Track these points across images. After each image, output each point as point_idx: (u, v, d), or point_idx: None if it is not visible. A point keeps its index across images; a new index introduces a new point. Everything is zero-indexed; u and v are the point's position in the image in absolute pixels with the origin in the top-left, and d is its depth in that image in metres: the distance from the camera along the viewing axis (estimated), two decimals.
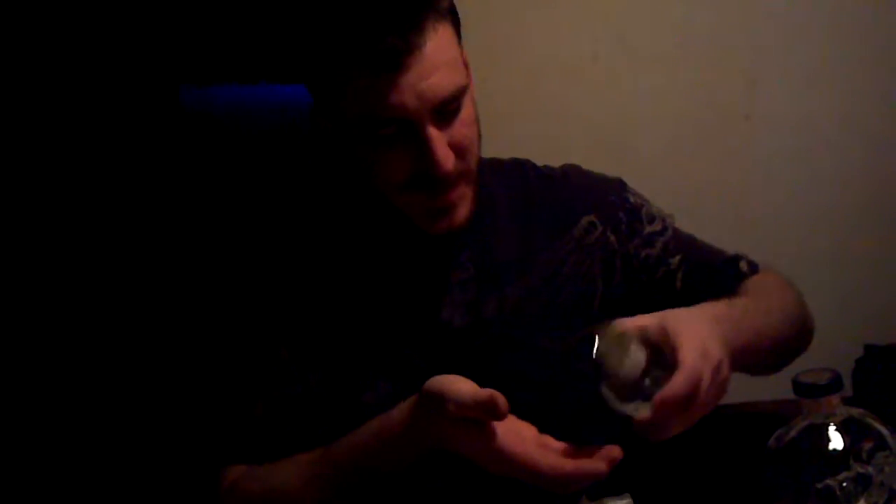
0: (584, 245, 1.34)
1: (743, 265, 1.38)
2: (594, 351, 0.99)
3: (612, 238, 1.35)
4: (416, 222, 1.21)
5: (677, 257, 1.35)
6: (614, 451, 0.99)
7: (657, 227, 1.37)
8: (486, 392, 0.98)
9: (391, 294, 1.27)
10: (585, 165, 1.44)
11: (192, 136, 2.44)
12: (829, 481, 0.98)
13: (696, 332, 1.01)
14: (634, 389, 0.99)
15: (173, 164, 2.40)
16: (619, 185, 1.40)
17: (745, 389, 1.64)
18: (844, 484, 0.98)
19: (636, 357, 0.98)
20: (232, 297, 1.31)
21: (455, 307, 1.27)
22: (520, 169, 1.40)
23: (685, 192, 2.08)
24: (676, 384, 0.96)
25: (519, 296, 1.29)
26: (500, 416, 0.97)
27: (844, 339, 2.16)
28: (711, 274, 1.35)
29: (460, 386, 1.00)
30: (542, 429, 1.04)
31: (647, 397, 0.98)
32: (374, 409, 1.17)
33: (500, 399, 0.97)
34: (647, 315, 1.03)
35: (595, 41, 2.16)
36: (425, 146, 1.13)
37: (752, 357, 1.18)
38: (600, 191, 1.39)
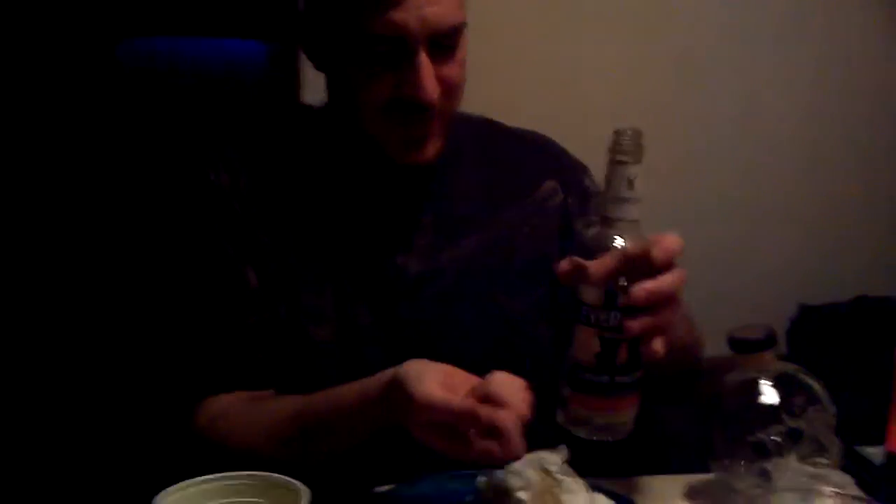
0: (546, 208, 1.34)
1: None
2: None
3: (571, 207, 1.35)
4: (387, 151, 1.20)
5: None
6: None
7: None
8: (466, 406, 0.98)
9: (351, 232, 1.26)
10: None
11: (132, 89, 2.40)
12: (761, 434, 1.01)
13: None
14: None
15: (119, 115, 2.35)
16: (583, 169, 1.40)
17: None
18: (776, 437, 1.00)
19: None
20: (196, 230, 1.29)
21: (410, 252, 1.27)
22: (488, 126, 1.40)
23: None
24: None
25: (476, 249, 1.29)
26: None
27: (780, 298, 2.21)
28: None
29: (432, 391, 0.99)
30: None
31: None
32: (321, 347, 1.20)
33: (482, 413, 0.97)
34: None
35: (593, 43, 2.18)
36: (415, 70, 1.13)
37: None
38: (566, 163, 1.39)
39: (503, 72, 2.07)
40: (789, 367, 1.06)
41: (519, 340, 1.29)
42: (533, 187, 1.34)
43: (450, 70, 1.18)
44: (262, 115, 1.36)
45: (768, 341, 1.05)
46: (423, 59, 1.13)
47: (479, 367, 1.04)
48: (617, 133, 0.97)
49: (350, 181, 1.28)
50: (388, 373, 1.06)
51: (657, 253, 0.95)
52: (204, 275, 1.25)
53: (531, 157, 1.37)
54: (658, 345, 0.96)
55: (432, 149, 1.22)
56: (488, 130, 1.39)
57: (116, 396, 2.09)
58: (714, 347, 1.24)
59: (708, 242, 1.99)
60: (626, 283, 0.95)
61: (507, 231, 1.31)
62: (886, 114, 2.33)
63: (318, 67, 1.26)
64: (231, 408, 1.21)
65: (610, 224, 0.98)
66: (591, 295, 0.96)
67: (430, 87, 1.14)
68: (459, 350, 1.13)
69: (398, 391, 1.02)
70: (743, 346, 1.06)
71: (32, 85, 2.53)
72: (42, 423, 2.23)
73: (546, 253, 1.30)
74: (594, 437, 1.00)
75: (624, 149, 0.97)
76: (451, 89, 1.19)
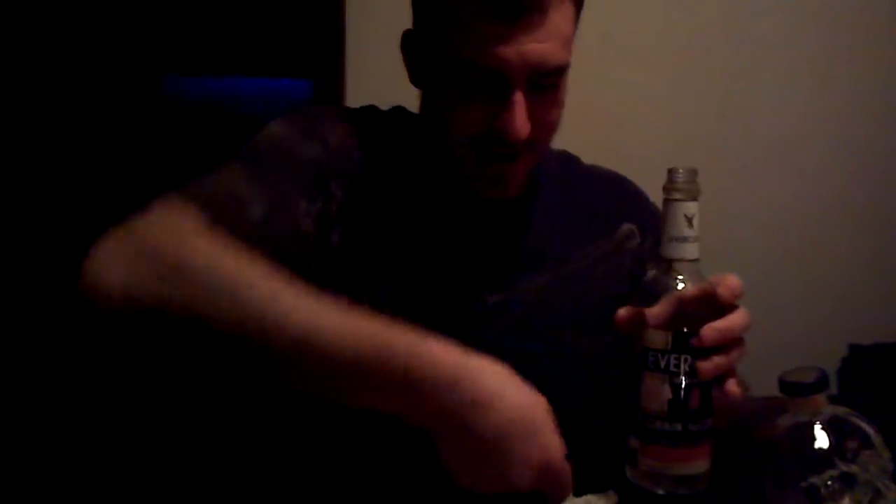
0: (623, 249, 1.33)
1: None
2: None
3: (647, 251, 1.34)
4: (470, 183, 1.20)
5: None
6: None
7: None
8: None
9: (430, 254, 1.24)
10: None
11: (176, 126, 2.42)
12: (813, 480, 0.98)
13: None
14: None
15: (162, 152, 2.38)
16: (661, 214, 1.39)
17: None
18: (829, 482, 0.98)
19: None
20: None
21: (486, 282, 1.24)
22: (568, 162, 1.39)
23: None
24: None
25: (549, 284, 1.27)
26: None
27: (830, 338, 2.18)
28: None
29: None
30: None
31: None
32: None
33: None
34: None
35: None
36: (509, 107, 1.11)
37: None
38: (644, 206, 1.38)
39: None
40: (842, 411, 1.03)
41: (586, 378, 1.27)
42: (612, 228, 1.33)
43: (546, 110, 1.16)
44: (379, 119, 1.32)
45: (820, 384, 1.03)
46: (519, 97, 1.12)
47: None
48: (671, 171, 0.96)
49: (436, 202, 1.26)
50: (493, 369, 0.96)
51: (723, 292, 0.94)
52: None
53: (611, 197, 1.36)
54: (733, 385, 0.94)
55: (515, 187, 1.21)
56: (569, 166, 1.39)
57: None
58: (763, 389, 1.22)
59: (757, 282, 1.97)
60: (695, 325, 0.93)
61: (583, 269, 1.30)
62: None
63: (414, 83, 1.25)
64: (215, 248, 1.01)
65: (670, 265, 0.97)
66: (657, 339, 0.95)
67: (522, 126, 1.12)
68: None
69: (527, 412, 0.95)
70: (794, 390, 1.03)
71: (79, 116, 2.56)
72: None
73: (620, 294, 1.29)
74: (671, 492, 0.97)
75: (678, 186, 0.96)
76: (544, 129, 1.18)
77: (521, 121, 1.12)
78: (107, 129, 2.58)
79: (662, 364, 0.94)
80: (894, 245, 2.30)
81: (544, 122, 1.17)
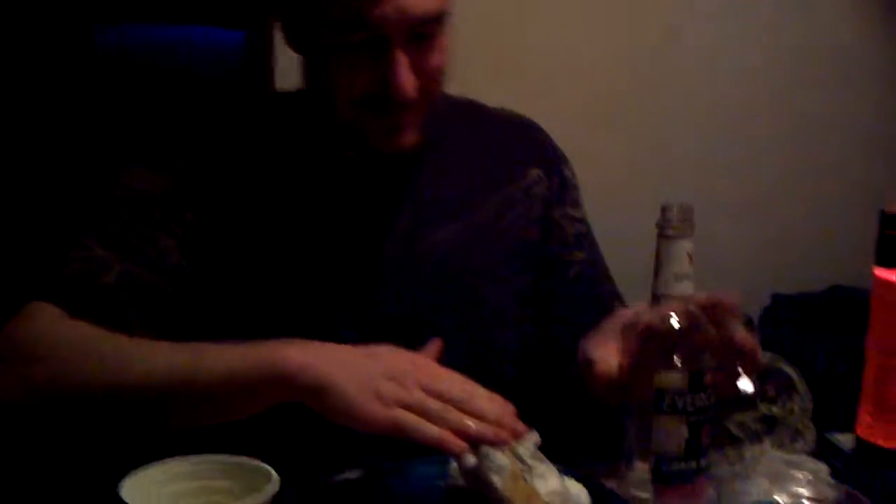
0: (532, 195, 1.31)
1: (615, 289, 1.38)
2: None
3: (551, 195, 1.33)
4: (364, 139, 1.18)
5: (581, 253, 1.34)
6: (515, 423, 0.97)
7: (578, 214, 1.36)
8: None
9: (327, 220, 1.22)
10: None
11: (107, 75, 2.38)
12: (737, 420, 1.00)
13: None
14: None
15: (89, 102, 2.33)
16: (564, 159, 1.38)
17: None
18: (752, 424, 1.00)
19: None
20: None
21: (389, 238, 1.23)
22: (473, 108, 1.36)
23: (597, 147, 2.09)
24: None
25: (458, 236, 1.26)
26: None
27: (753, 289, 2.21)
28: (595, 297, 1.33)
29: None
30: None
31: None
32: (294, 331, 1.10)
33: None
34: None
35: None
36: (392, 66, 1.10)
37: None
38: (550, 151, 1.36)
39: (480, 56, 2.05)
40: (766, 355, 1.05)
41: (500, 335, 1.27)
42: (519, 174, 1.31)
43: (430, 58, 1.14)
44: (230, 103, 1.31)
45: (746, 329, 1.05)
46: (399, 56, 1.10)
47: (458, 362, 1.01)
48: (664, 209, 0.96)
49: (325, 168, 1.24)
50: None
51: (731, 298, 0.96)
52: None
53: (517, 143, 1.34)
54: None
55: (411, 137, 1.18)
56: (473, 113, 1.36)
57: None
58: None
59: None
60: (710, 361, 0.93)
61: (492, 217, 1.28)
62: (861, 105, 2.34)
63: (296, 50, 1.22)
64: (69, 328, 1.11)
65: (668, 301, 0.95)
66: (674, 381, 0.92)
67: (408, 83, 1.10)
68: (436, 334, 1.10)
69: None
70: None
71: (6, 68, 2.50)
72: None
73: (530, 241, 1.29)
74: None
75: (674, 224, 0.95)
76: (430, 78, 1.15)
77: (406, 78, 1.10)
78: (42, 83, 2.52)
79: (680, 405, 0.92)
80: (817, 197, 2.34)
81: (431, 71, 1.15)
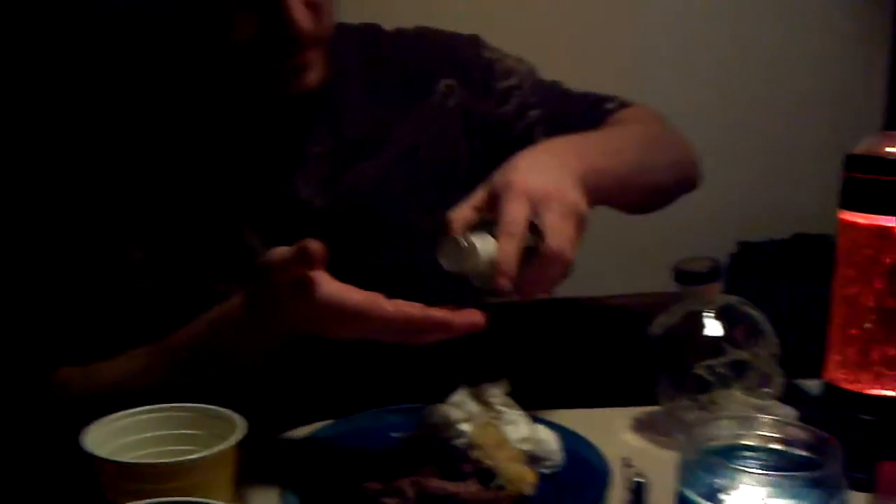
0: (445, 111, 1.25)
1: (609, 104, 1.32)
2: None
3: (471, 100, 1.27)
4: (272, 84, 1.12)
5: (536, 111, 1.27)
6: (474, 313, 0.90)
7: (513, 81, 1.29)
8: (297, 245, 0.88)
9: (243, 168, 1.17)
10: None
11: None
12: (706, 365, 1.00)
13: (520, 181, 0.95)
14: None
15: None
16: (474, 41, 1.31)
17: (630, 282, 1.68)
18: (720, 369, 1.00)
19: (476, 250, 0.93)
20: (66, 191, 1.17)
21: (310, 183, 1.18)
22: (370, 32, 1.31)
23: None
24: (502, 248, 0.91)
25: (378, 170, 1.21)
26: (313, 259, 0.86)
27: (720, 237, 2.22)
28: (575, 118, 1.26)
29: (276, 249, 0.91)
30: None
31: None
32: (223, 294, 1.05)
33: (312, 244, 0.86)
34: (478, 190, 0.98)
35: None
36: (281, 4, 1.04)
37: (612, 181, 1.10)
38: (455, 49, 1.30)
39: None
40: (733, 300, 1.05)
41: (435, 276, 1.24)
42: (427, 90, 1.26)
43: None
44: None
45: (713, 273, 1.05)
46: None
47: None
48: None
49: (239, 116, 1.19)
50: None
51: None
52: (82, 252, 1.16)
53: (419, 55, 1.28)
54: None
55: (314, 75, 1.13)
56: (370, 36, 1.30)
57: None
58: (658, 282, 1.24)
59: None
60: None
61: (409, 143, 1.23)
62: (823, 57, 2.35)
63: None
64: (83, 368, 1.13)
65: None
66: None
67: (303, 17, 1.06)
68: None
69: (255, 273, 0.94)
70: (688, 279, 1.04)
71: None
72: None
73: (454, 158, 1.25)
74: None
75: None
76: (321, 10, 1.09)
77: (300, 12, 1.06)
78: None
79: None
80: (781, 146, 2.35)
81: (322, 4, 1.09)
